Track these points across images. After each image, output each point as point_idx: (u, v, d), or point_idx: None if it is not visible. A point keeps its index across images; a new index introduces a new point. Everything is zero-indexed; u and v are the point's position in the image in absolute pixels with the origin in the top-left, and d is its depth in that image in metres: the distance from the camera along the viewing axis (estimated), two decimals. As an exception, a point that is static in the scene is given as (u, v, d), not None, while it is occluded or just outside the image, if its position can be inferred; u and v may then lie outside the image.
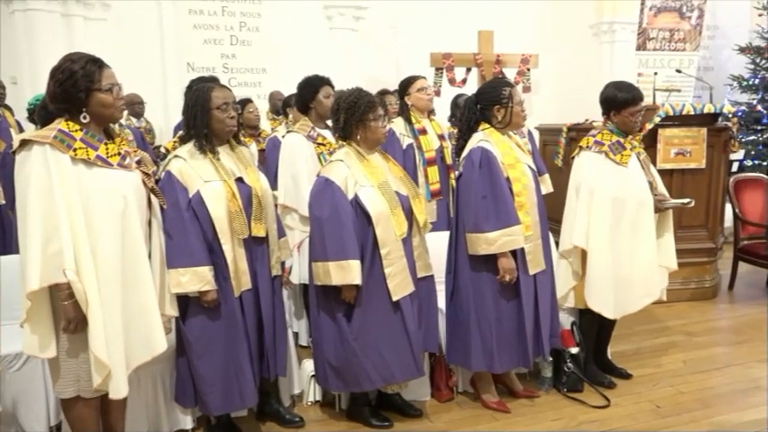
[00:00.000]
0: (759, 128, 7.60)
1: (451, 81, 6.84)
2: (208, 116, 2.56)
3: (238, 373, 2.62)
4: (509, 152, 2.96)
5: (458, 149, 3.11)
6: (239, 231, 2.56)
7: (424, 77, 4.31)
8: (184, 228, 2.48)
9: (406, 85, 4.25)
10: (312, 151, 3.47)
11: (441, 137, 4.26)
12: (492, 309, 2.95)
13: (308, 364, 3.12)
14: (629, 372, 3.46)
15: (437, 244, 3.16)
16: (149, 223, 2.37)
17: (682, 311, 4.59)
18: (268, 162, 3.99)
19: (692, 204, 3.37)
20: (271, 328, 2.74)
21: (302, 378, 3.18)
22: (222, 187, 2.54)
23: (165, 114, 6.63)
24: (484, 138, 2.96)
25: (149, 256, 2.32)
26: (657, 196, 3.24)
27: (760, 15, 8.05)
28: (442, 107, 5.70)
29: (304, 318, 3.84)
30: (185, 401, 2.71)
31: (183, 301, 2.54)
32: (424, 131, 4.18)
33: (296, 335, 3.77)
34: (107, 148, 2.21)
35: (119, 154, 2.23)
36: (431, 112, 4.36)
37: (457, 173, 3.08)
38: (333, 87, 3.59)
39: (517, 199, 2.91)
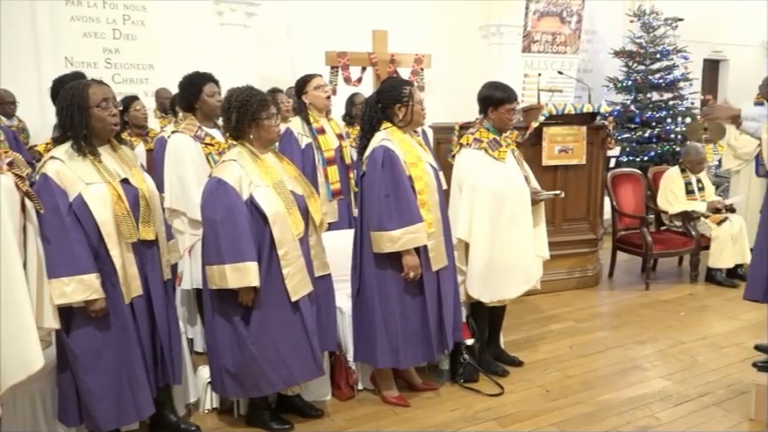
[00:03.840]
0: (632, 126, 8.23)
1: (347, 80, 6.84)
2: (86, 115, 2.40)
3: (132, 383, 2.49)
4: (411, 150, 3.02)
5: (360, 149, 3.13)
6: (128, 235, 2.43)
7: (321, 75, 4.28)
8: (66, 234, 2.32)
9: (302, 83, 4.19)
10: (200, 152, 3.33)
11: (339, 136, 4.25)
12: (397, 305, 2.99)
13: (204, 371, 3.02)
14: (520, 359, 3.63)
15: (339, 243, 3.16)
16: (24, 229, 2.19)
17: (567, 299, 4.87)
18: (156, 163, 3.81)
19: (563, 195, 3.64)
20: (166, 334, 2.63)
21: (198, 385, 3.07)
22: (107, 189, 2.40)
23: (40, 112, 6.12)
24: (386, 137, 3.00)
25: (24, 266, 2.15)
26: (532, 189, 3.42)
27: (632, 22, 8.70)
28: (340, 106, 5.70)
29: (198, 323, 3.71)
30: (69, 420, 2.53)
31: (66, 311, 2.37)
32: (322, 131, 4.15)
33: (191, 341, 3.65)
34: None
35: None
36: (328, 112, 4.34)
37: (360, 172, 3.09)
38: (217, 84, 3.43)
39: (419, 197, 2.97)
